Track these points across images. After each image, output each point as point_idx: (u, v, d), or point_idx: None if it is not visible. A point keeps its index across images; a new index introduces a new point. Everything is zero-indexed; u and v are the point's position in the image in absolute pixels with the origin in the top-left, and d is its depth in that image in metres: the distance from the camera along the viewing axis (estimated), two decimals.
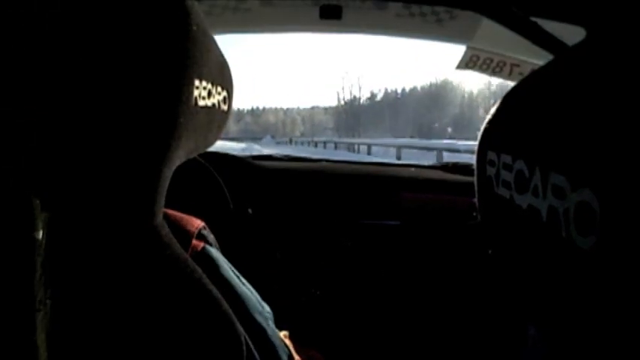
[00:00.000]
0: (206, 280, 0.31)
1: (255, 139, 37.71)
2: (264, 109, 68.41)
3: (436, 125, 49.33)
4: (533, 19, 0.83)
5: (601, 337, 0.23)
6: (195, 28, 0.30)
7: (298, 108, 69.01)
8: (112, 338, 0.28)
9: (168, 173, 0.32)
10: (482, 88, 48.26)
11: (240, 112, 64.57)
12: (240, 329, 0.31)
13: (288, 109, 68.60)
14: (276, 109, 68.57)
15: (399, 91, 56.94)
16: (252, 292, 0.37)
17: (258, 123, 63.84)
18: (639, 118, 0.20)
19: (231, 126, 52.88)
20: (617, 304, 0.21)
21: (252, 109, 68.12)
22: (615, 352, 0.22)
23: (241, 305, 0.35)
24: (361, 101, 55.85)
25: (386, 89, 58.45)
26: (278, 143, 31.63)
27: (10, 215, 0.26)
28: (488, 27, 1.01)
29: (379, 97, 57.09)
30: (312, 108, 66.20)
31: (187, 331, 0.29)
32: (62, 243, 0.28)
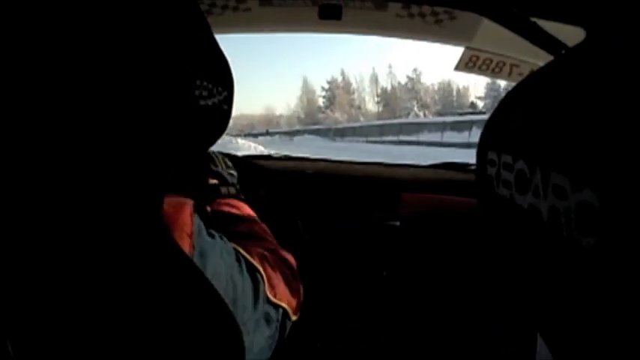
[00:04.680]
0: (203, 272, 0.32)
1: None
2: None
3: None
4: (533, 19, 0.83)
5: (601, 336, 0.23)
6: (196, 28, 0.31)
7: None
8: (112, 332, 0.28)
9: (169, 172, 0.32)
10: None
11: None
12: (238, 318, 0.32)
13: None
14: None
15: None
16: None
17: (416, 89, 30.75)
18: (639, 118, 0.20)
19: (369, 106, 31.14)
20: (618, 304, 0.21)
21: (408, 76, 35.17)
22: (616, 352, 0.22)
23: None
24: None
25: None
26: None
27: None
28: (488, 27, 1.01)
29: None
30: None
31: (187, 325, 0.29)
32: (63, 239, 0.28)
